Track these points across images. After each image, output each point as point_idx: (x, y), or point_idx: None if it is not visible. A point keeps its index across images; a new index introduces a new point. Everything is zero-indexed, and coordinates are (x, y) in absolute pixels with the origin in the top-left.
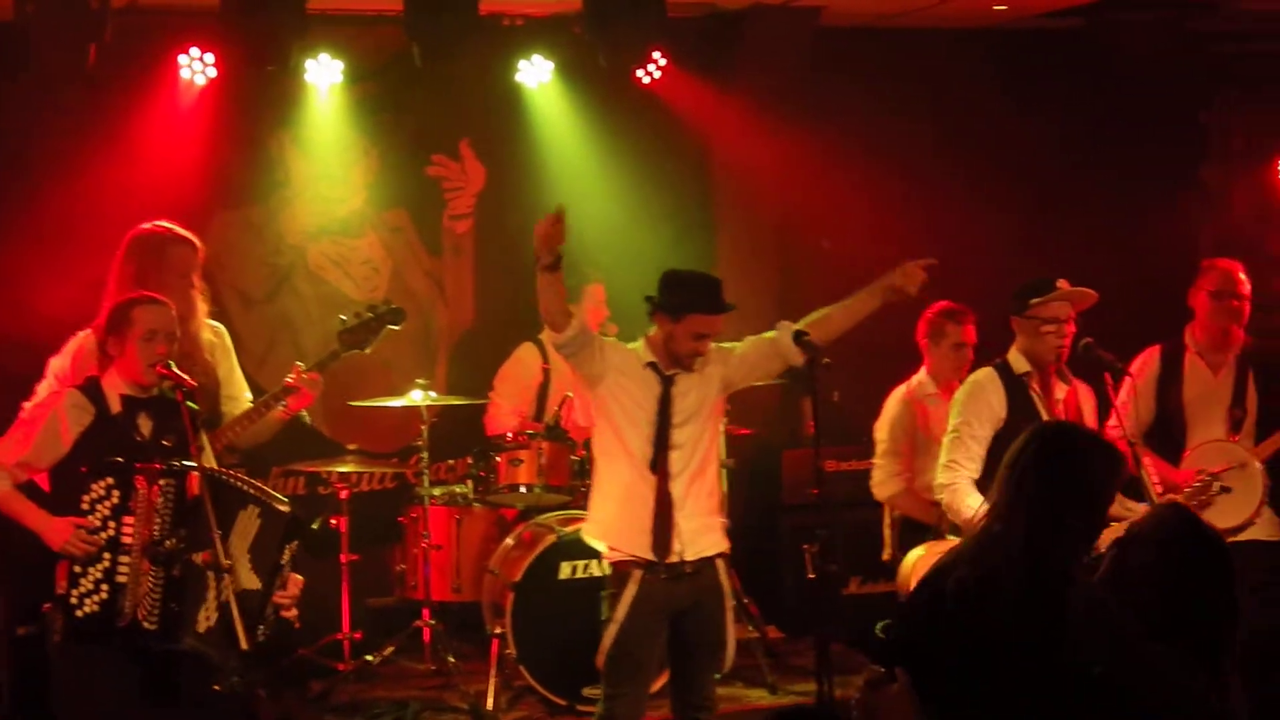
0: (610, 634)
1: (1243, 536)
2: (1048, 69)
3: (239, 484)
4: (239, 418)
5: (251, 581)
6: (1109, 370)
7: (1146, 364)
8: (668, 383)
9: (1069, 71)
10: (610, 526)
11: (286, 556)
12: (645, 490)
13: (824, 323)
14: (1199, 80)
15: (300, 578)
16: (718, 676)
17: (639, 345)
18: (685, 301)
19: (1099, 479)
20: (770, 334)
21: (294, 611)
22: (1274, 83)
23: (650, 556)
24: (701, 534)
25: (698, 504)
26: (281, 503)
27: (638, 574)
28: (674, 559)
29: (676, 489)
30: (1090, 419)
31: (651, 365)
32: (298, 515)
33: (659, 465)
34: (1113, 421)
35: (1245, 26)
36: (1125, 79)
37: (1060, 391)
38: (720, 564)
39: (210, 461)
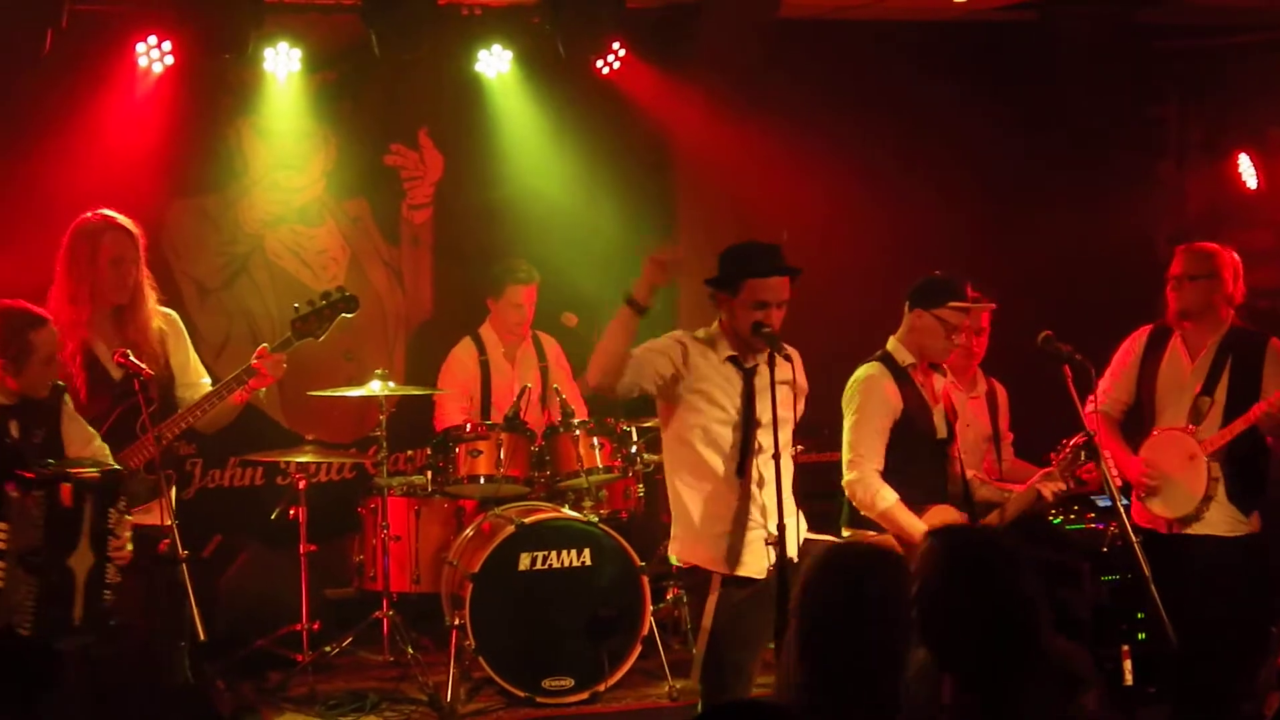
0: (701, 643)
1: (1198, 530)
2: (1004, 62)
3: (84, 475)
4: (199, 401)
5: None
6: (1067, 362)
7: (1133, 344)
8: (749, 376)
9: (1025, 65)
10: (692, 544)
11: (114, 519)
12: (733, 501)
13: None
14: (1151, 74)
15: (130, 518)
16: None
17: (713, 333)
18: (739, 268)
19: (883, 592)
20: None
21: (126, 552)
22: (1227, 77)
23: (731, 572)
24: (794, 529)
25: (787, 505)
26: (92, 473)
27: (716, 579)
28: (764, 575)
29: (768, 496)
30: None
31: (732, 359)
32: (116, 474)
33: (745, 471)
34: (1089, 407)
35: (1193, 20)
36: (1078, 73)
37: (938, 383)
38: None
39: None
